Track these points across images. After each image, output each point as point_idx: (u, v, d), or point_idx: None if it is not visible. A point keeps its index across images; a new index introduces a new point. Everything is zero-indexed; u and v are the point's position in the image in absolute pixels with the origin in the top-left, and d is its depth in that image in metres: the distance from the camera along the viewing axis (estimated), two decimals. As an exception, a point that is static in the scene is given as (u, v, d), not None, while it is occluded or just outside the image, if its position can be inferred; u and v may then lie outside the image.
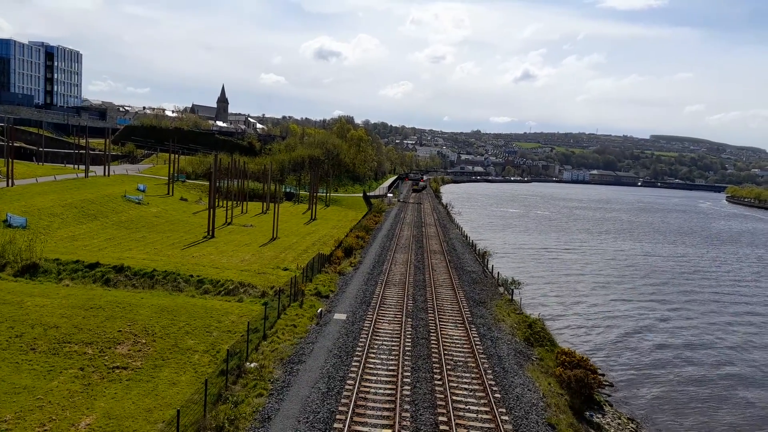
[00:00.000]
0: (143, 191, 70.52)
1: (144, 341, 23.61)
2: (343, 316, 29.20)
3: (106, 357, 21.88)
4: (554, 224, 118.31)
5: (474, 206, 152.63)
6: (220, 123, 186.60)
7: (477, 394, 20.67)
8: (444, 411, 19.08)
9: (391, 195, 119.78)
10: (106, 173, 76.45)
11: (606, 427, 22.62)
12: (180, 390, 19.78)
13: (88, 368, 20.83)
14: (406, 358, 23.67)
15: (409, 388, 20.75)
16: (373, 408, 18.99)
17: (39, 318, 24.90)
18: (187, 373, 21.17)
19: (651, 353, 36.25)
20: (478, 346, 25.71)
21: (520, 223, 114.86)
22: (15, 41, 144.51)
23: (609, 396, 25.81)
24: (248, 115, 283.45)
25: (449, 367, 23.01)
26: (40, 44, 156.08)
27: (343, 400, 19.34)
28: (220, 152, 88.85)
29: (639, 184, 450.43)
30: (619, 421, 23.88)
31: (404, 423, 18.10)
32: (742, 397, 30.25)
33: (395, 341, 25.65)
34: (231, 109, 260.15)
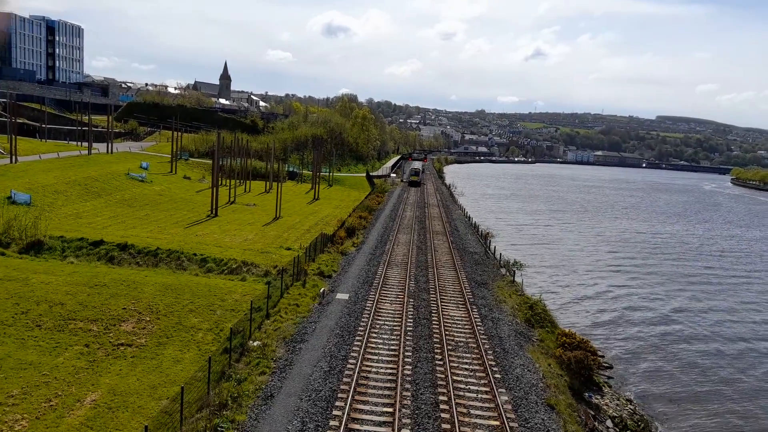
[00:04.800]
0: (146, 169, 70.50)
1: (148, 319, 23.85)
2: (345, 296, 29.39)
3: (111, 334, 22.13)
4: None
5: (478, 185, 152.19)
6: (222, 100, 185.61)
7: (477, 374, 20.88)
8: (444, 391, 19.30)
9: (395, 175, 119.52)
10: (109, 150, 76.37)
11: (605, 407, 22.88)
12: (184, 367, 20.04)
13: (93, 345, 21.09)
14: (407, 338, 23.88)
15: (410, 367, 20.97)
16: (374, 387, 19.22)
17: (44, 295, 25.14)
18: (191, 351, 21.43)
19: (651, 335, 36.47)
20: (479, 327, 25.89)
21: (523, 204, 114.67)
22: (15, 15, 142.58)
23: (608, 377, 26.02)
24: (251, 93, 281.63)
25: (450, 347, 23.21)
26: (41, 18, 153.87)
27: (344, 379, 19.57)
28: (222, 130, 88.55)
29: (643, 165, 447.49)
30: (618, 402, 24.14)
31: (405, 402, 18.33)
32: (741, 379, 30.50)
33: (397, 321, 25.85)
34: (234, 87, 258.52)
